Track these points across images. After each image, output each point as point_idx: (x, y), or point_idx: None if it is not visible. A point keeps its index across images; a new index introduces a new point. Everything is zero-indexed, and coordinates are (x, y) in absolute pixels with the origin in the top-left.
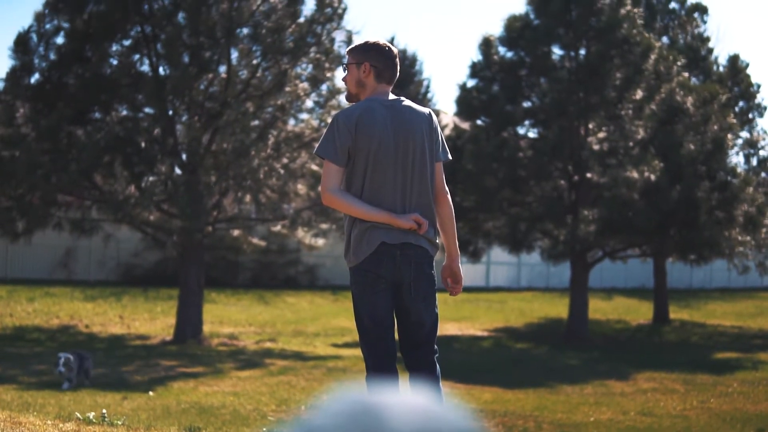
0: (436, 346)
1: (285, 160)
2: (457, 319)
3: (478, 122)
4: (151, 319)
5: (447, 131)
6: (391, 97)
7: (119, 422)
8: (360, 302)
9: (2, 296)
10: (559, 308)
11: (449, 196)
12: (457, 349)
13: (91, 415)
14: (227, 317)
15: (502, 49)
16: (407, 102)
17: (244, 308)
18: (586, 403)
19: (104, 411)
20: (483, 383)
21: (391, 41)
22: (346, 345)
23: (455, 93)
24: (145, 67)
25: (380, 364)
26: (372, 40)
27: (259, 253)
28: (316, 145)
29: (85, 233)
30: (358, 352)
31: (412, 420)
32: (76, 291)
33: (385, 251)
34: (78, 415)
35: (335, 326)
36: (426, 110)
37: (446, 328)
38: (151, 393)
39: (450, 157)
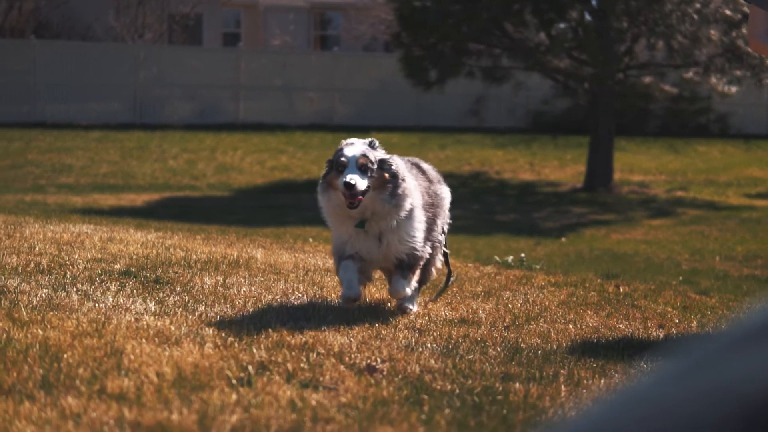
0: None
1: (698, 5)
2: None
3: None
4: (561, 167)
5: None
6: None
7: (537, 266)
8: None
9: (415, 143)
10: None
11: None
12: None
13: (509, 259)
14: (637, 165)
15: None
16: None
17: (653, 156)
18: None
19: (522, 255)
20: None
21: None
22: (759, 196)
23: None
24: None
25: None
26: None
27: (669, 101)
28: None
29: (495, 81)
30: None
31: None
32: (486, 138)
33: None
34: (497, 258)
35: (747, 176)
36: None
37: None
38: (563, 239)
39: None
